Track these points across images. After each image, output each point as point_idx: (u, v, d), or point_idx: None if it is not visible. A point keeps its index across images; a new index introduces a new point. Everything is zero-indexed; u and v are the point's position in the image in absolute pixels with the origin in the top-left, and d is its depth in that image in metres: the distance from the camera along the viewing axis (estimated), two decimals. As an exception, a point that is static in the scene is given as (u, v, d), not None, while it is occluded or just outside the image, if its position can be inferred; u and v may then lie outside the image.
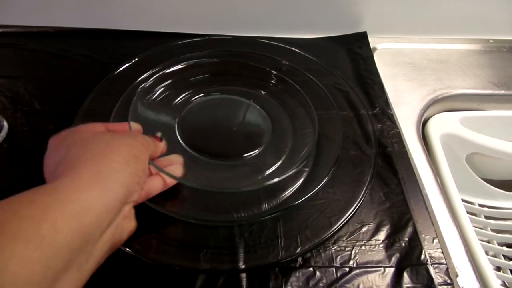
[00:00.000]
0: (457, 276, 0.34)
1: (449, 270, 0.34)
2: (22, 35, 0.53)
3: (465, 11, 0.57)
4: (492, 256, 0.47)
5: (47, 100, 0.46)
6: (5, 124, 0.42)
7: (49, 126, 0.43)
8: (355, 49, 0.56)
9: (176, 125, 0.43)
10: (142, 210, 0.32)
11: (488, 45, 0.60)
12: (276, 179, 0.34)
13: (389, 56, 0.57)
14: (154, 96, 0.43)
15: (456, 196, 0.42)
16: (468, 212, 0.42)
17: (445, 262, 0.35)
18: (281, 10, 0.55)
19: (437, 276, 0.34)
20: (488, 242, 0.48)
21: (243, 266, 0.33)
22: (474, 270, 0.35)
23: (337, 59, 0.55)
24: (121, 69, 0.46)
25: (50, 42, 0.53)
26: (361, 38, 0.57)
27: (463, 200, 0.43)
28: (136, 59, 0.47)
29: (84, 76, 0.49)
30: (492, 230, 0.50)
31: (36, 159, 0.40)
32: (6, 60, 0.50)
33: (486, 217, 0.51)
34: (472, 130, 0.50)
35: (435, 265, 0.34)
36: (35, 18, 0.54)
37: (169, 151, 0.38)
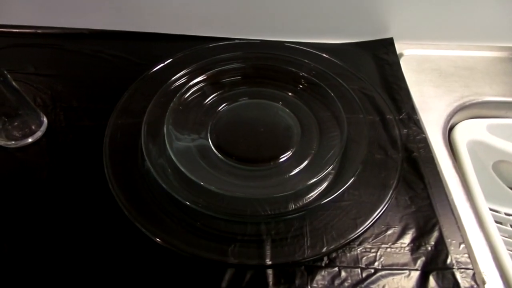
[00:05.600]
0: (484, 282, 0.34)
1: (475, 275, 0.34)
2: (60, 36, 0.56)
3: (492, 19, 0.57)
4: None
5: (84, 98, 0.48)
6: (45, 120, 0.45)
7: (85, 122, 0.45)
8: (381, 55, 0.56)
9: (209, 130, 0.44)
10: (174, 203, 0.34)
11: (516, 53, 0.59)
12: (307, 183, 0.36)
13: (415, 62, 0.57)
14: (186, 96, 0.45)
15: (483, 203, 0.41)
16: (494, 221, 0.41)
17: (471, 268, 0.35)
18: (308, 15, 0.56)
19: (463, 281, 0.34)
20: (514, 251, 0.48)
21: (270, 262, 0.34)
22: (501, 277, 0.35)
23: (363, 64, 0.55)
24: (155, 69, 0.48)
25: (86, 43, 0.56)
26: (388, 44, 0.58)
27: (489, 209, 0.42)
28: (170, 59, 0.48)
29: (117, 76, 0.51)
30: (519, 240, 0.49)
31: (73, 152, 0.43)
32: (46, 59, 0.53)
33: (513, 226, 0.50)
34: (499, 138, 0.50)
35: (462, 270, 0.34)
36: (72, 20, 0.57)
37: (200, 153, 0.39)
